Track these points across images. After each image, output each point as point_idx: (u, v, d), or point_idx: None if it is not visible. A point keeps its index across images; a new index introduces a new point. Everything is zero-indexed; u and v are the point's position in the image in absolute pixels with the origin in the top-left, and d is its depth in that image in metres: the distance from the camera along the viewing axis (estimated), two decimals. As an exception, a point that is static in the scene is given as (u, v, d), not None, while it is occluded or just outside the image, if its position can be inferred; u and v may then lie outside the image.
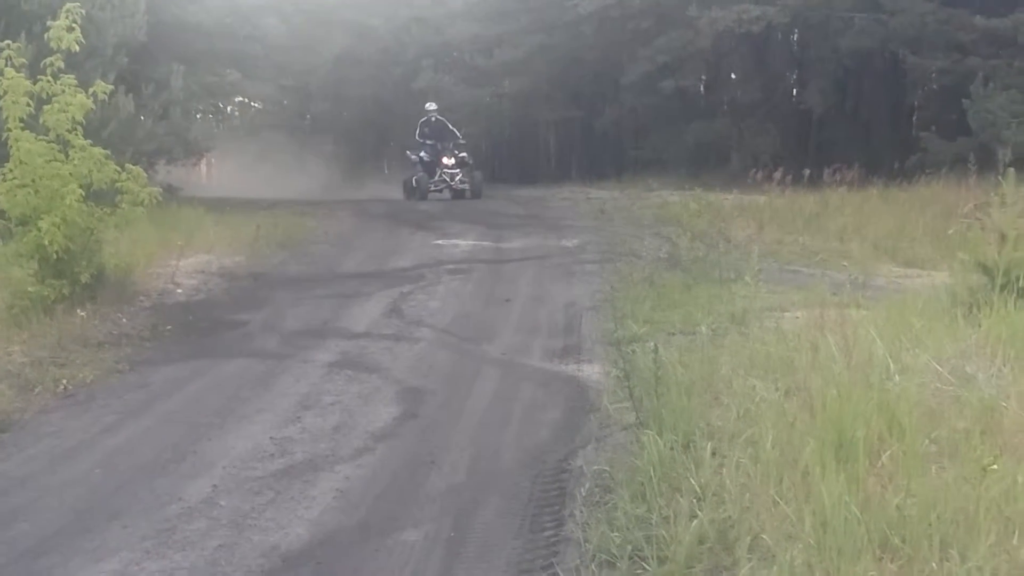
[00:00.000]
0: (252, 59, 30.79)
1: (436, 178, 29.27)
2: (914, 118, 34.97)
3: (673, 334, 10.26)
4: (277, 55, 32.35)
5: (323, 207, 25.71)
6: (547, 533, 5.87)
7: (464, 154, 29.81)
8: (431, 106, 30.67)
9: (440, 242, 19.24)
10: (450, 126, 30.39)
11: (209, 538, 5.87)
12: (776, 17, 30.53)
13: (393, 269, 16.18)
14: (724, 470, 5.82)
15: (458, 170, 29.40)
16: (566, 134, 38.23)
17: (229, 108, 42.74)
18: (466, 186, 29.36)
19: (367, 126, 40.48)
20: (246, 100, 41.87)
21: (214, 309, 12.93)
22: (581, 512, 5.98)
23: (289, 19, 33.68)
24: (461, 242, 19.29)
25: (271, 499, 6.47)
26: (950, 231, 14.81)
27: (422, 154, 29.74)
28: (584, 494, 6.27)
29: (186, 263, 14.90)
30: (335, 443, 7.60)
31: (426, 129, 30.09)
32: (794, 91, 37.67)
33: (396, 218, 24.04)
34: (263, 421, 8.17)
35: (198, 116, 28.45)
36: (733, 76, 38.45)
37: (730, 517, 5.30)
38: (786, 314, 10.79)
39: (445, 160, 29.30)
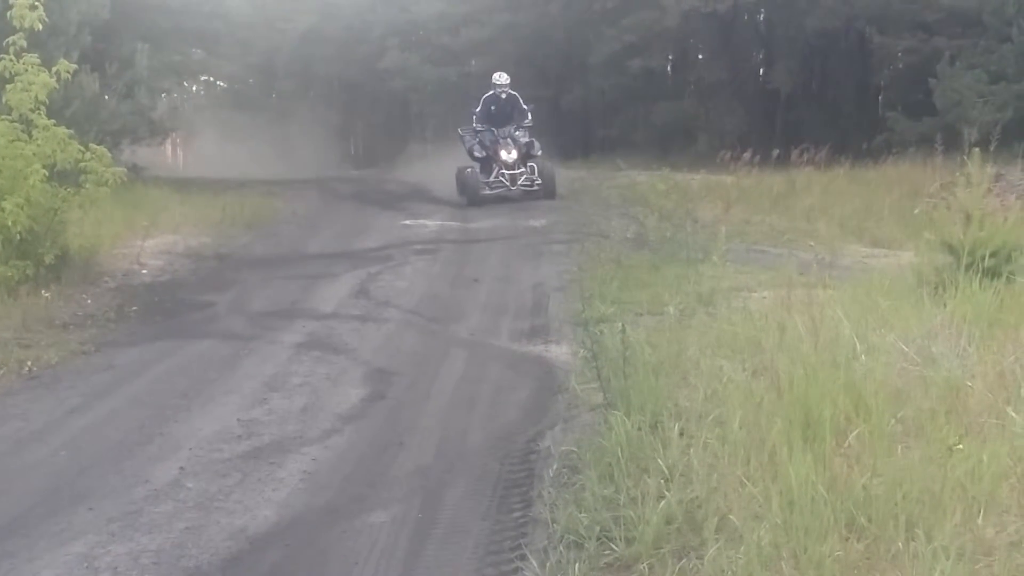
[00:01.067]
0: (217, 37, 30.60)
1: (492, 178, 22.26)
2: (880, 98, 35.09)
3: (641, 314, 10.25)
4: (242, 33, 32.14)
5: (290, 187, 25.66)
6: (515, 514, 5.86)
7: (530, 140, 22.78)
8: (501, 78, 23.70)
9: (408, 222, 19.25)
10: (522, 104, 23.41)
11: (176, 520, 5.84)
12: (743, -4, 30.63)
13: (360, 249, 16.17)
14: (692, 450, 5.81)
15: (521, 168, 22.31)
16: (534, 114, 38.19)
17: (195, 87, 42.50)
18: (534, 187, 22.21)
19: (334, 105, 40.31)
20: (211, 79, 41.64)
21: (180, 290, 12.90)
22: (549, 493, 5.96)
23: (253, -4, 33.53)
24: (429, 222, 19.31)
25: (238, 481, 6.44)
26: (916, 211, 14.85)
27: (474, 145, 22.98)
28: (552, 475, 6.26)
29: (151, 244, 14.85)
30: (303, 425, 7.57)
31: (492, 108, 23.22)
32: (761, 71, 37.73)
33: (363, 198, 24.06)
34: (230, 403, 8.14)
35: (163, 95, 28.19)
36: (700, 56, 38.48)
37: (698, 497, 5.30)
38: (753, 294, 10.81)
39: (504, 155, 22.29)
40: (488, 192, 22.05)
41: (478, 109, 23.31)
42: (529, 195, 21.99)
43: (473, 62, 36.34)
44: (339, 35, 36.54)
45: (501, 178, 22.21)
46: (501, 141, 22.47)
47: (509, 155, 22.27)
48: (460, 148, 23.78)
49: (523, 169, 22.30)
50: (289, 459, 6.85)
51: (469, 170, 22.57)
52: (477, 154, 22.84)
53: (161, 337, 10.50)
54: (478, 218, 19.23)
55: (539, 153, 22.82)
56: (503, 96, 23.33)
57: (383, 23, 36.23)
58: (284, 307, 11.92)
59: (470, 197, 21.85)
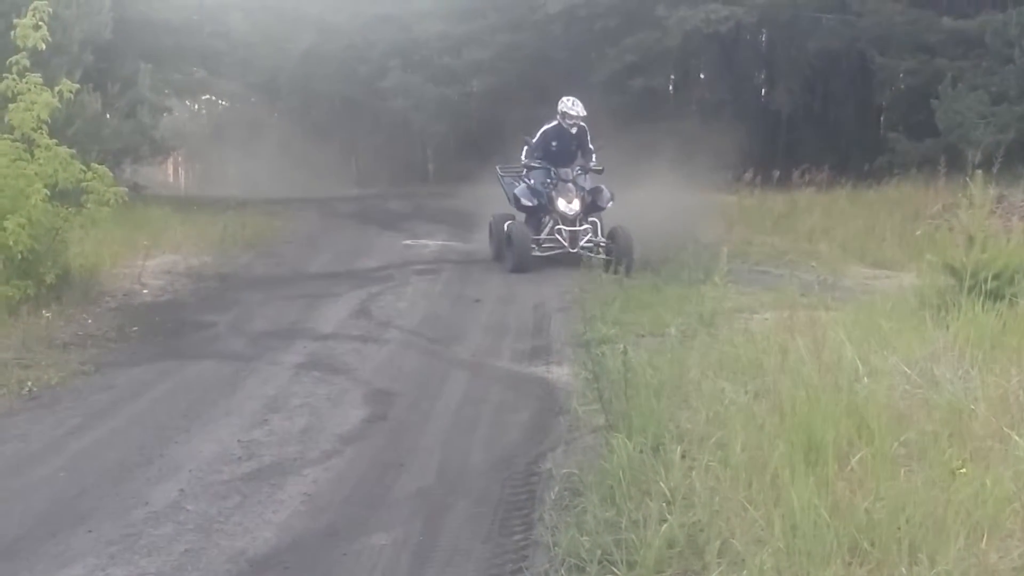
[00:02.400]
0: (218, 56, 30.62)
1: (544, 234, 16.71)
2: (882, 119, 35.06)
3: (642, 336, 10.29)
4: (243, 52, 32.17)
5: (291, 206, 25.68)
6: (516, 537, 5.85)
7: (597, 185, 16.97)
8: (575, 107, 17.28)
9: (409, 242, 19.28)
10: (589, 141, 17.42)
11: (176, 543, 5.82)
12: (744, 17, 30.58)
13: (361, 269, 16.19)
14: (694, 473, 5.81)
15: (586, 226, 16.60)
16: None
17: (196, 106, 42.56)
18: (599, 252, 16.18)
19: (335, 125, 40.28)
20: (213, 98, 41.69)
21: (181, 310, 12.88)
22: (550, 516, 5.96)
23: (254, 15, 33.45)
24: (430, 242, 19.32)
25: (238, 503, 6.42)
26: (918, 232, 14.90)
27: (523, 189, 17.09)
28: (553, 497, 6.26)
29: (152, 263, 14.84)
30: (303, 446, 7.55)
31: (553, 144, 17.14)
32: (762, 91, 37.73)
33: (364, 218, 24.06)
34: (230, 424, 8.12)
35: (165, 115, 28.21)
36: (702, 76, 38.50)
37: (700, 521, 5.29)
38: (755, 315, 10.82)
39: (562, 205, 16.53)
40: (538, 254, 16.39)
41: (533, 141, 17.42)
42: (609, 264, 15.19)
43: (475, 82, 36.35)
44: (340, 54, 36.54)
45: (558, 236, 16.52)
46: (560, 186, 16.74)
47: (570, 205, 16.53)
48: (468, 168, 22.92)
49: (587, 226, 16.64)
50: (289, 481, 6.82)
51: (513, 223, 16.74)
52: (526, 202, 16.89)
53: (162, 357, 10.48)
54: (480, 239, 19.19)
55: (608, 205, 16.84)
56: (573, 130, 17.22)
57: (384, 43, 36.21)
58: (285, 327, 11.90)
59: (516, 260, 15.97)
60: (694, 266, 13.59)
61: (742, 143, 32.76)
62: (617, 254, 15.37)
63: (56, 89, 12.28)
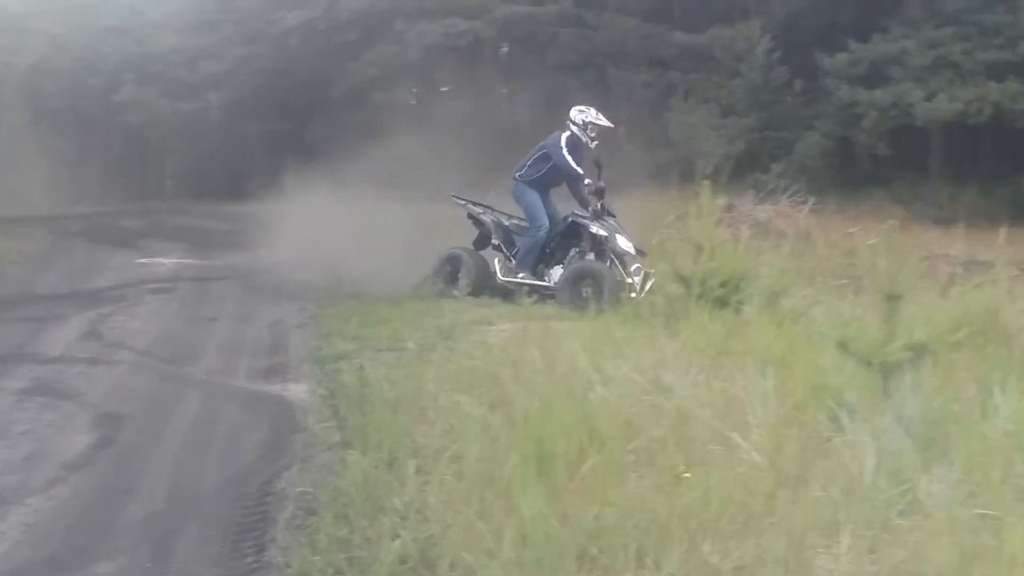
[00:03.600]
0: (-63, 70, 29.38)
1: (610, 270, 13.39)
2: (621, 131, 35.94)
3: (381, 350, 10.25)
4: (-36, 66, 30.93)
5: (17, 225, 24.64)
6: (248, 560, 5.71)
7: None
8: (598, 117, 15.08)
9: (143, 260, 18.80)
10: None
11: None
12: (484, 31, 31.01)
13: (92, 289, 15.66)
14: (428, 487, 5.80)
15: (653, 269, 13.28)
16: (276, 147, 37.80)
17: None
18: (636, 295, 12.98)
19: (66, 140, 38.94)
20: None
21: None
22: (283, 536, 5.85)
23: (-26, 28, 32.22)
24: (166, 260, 18.89)
25: (-47, 539, 6.10)
26: (653, 242, 15.24)
27: (585, 215, 13.99)
28: (287, 517, 6.14)
29: None
30: (25, 475, 7.21)
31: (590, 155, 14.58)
32: (505, 105, 38.22)
33: (97, 236, 23.35)
34: (-54, 455, 7.72)
35: None
36: (444, 89, 38.77)
37: (433, 535, 5.27)
38: (492, 327, 10.91)
39: (622, 242, 13.54)
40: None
41: (563, 146, 14.36)
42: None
43: (212, 96, 35.76)
44: (70, 67, 35.44)
45: (635, 276, 13.27)
46: (608, 219, 13.85)
47: (629, 243, 13.61)
48: (208, 184, 22.52)
49: (645, 269, 13.45)
50: (10, 511, 6.49)
51: (594, 260, 13.60)
52: (600, 231, 13.65)
53: None
54: (217, 256, 18.92)
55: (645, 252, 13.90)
56: (593, 146, 14.72)
57: (117, 56, 35.32)
58: (8, 351, 11.37)
59: (610, 292, 12.67)
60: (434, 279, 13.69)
61: (486, 157, 33.17)
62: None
63: None
